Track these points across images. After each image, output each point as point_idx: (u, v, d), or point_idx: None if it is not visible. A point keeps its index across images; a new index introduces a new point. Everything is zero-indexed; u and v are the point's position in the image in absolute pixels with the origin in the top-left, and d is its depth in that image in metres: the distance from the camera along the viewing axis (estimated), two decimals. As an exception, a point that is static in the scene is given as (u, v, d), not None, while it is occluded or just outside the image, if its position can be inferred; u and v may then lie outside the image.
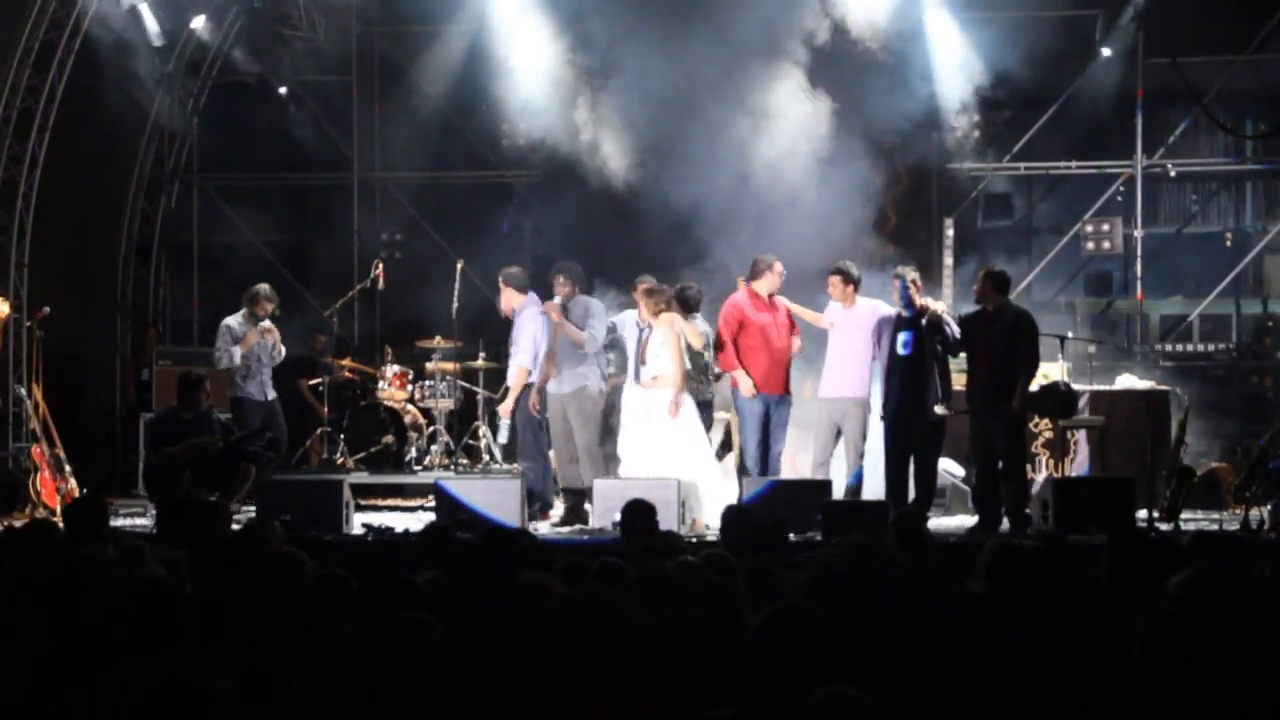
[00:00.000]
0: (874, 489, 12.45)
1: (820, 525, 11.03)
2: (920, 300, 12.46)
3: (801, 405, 13.24)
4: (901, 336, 12.36)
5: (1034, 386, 12.47)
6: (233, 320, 14.05)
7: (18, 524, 10.49)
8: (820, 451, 12.73)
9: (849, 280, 12.73)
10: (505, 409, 13.22)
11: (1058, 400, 12.80)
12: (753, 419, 12.73)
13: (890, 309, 12.66)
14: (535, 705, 2.79)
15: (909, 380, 12.30)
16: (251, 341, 13.91)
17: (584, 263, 13.58)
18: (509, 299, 13.25)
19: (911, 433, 12.31)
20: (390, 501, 14.92)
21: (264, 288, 14.27)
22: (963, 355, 12.58)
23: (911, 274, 12.59)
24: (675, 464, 12.18)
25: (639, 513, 8.91)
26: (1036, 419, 13.87)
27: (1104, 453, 13.60)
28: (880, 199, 16.04)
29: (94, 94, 16.49)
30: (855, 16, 15.68)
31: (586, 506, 12.60)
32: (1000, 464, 12.18)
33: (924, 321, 12.33)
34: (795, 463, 13.40)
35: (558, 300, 12.81)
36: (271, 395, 14.06)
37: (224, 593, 5.36)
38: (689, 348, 12.64)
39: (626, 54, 15.28)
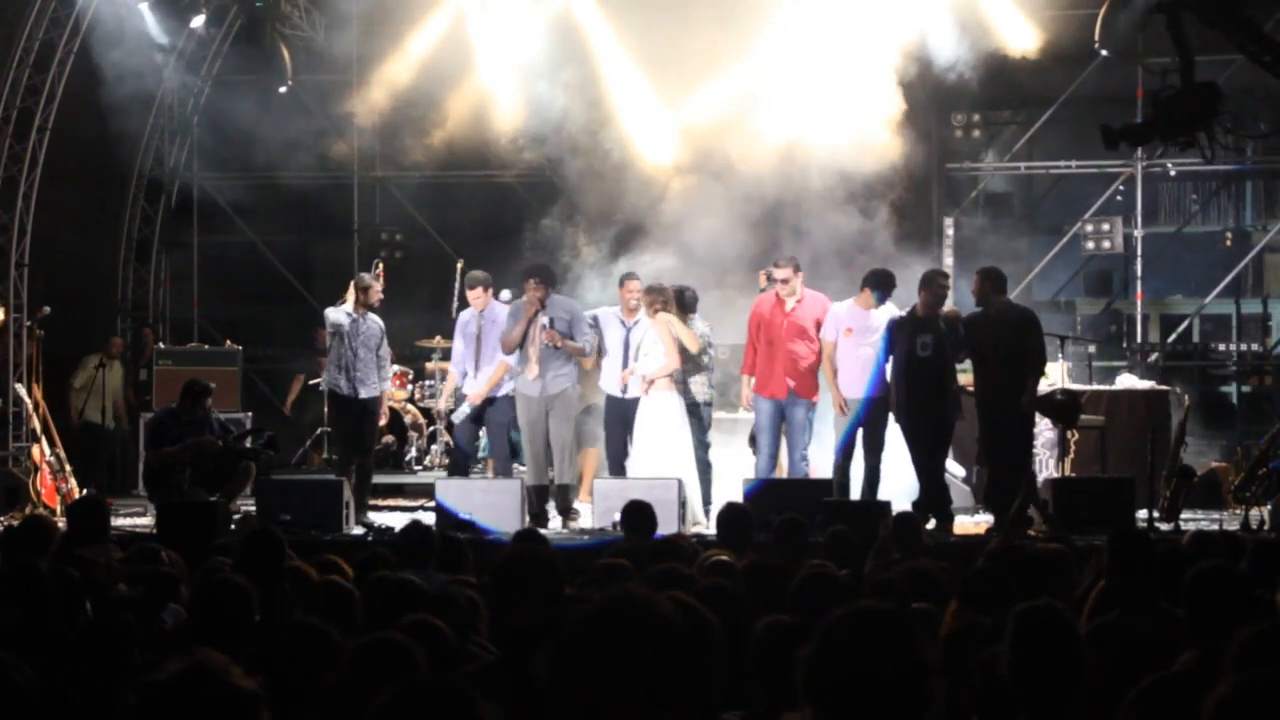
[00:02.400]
0: (887, 491, 12.38)
1: (820, 525, 11.01)
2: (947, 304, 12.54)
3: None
4: (920, 339, 12.31)
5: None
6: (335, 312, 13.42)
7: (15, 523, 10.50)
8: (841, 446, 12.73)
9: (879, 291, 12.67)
10: (479, 396, 13.15)
11: (1056, 407, 12.81)
12: (763, 418, 12.75)
13: (898, 311, 12.62)
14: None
15: (928, 383, 12.25)
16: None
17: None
18: (488, 299, 13.37)
19: (928, 435, 12.30)
20: (390, 501, 14.91)
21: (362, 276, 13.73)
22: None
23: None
24: (672, 465, 12.28)
25: (640, 513, 8.92)
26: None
27: (1104, 453, 13.59)
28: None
29: (94, 94, 16.49)
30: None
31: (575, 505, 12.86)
32: (1009, 463, 12.16)
33: (943, 324, 12.31)
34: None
35: (544, 322, 12.76)
36: (365, 393, 13.15)
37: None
38: (683, 350, 12.68)
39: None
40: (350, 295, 13.30)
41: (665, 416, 12.54)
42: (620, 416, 12.97)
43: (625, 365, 12.97)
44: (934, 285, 12.46)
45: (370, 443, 13.47)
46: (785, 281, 12.79)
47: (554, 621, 4.37)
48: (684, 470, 12.34)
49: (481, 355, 13.16)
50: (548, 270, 13.22)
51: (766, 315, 12.87)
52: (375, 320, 13.28)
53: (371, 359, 13.16)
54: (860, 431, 12.54)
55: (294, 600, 6.04)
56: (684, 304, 12.94)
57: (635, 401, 12.85)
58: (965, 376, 12.89)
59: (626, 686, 2.70)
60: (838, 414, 12.68)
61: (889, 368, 12.53)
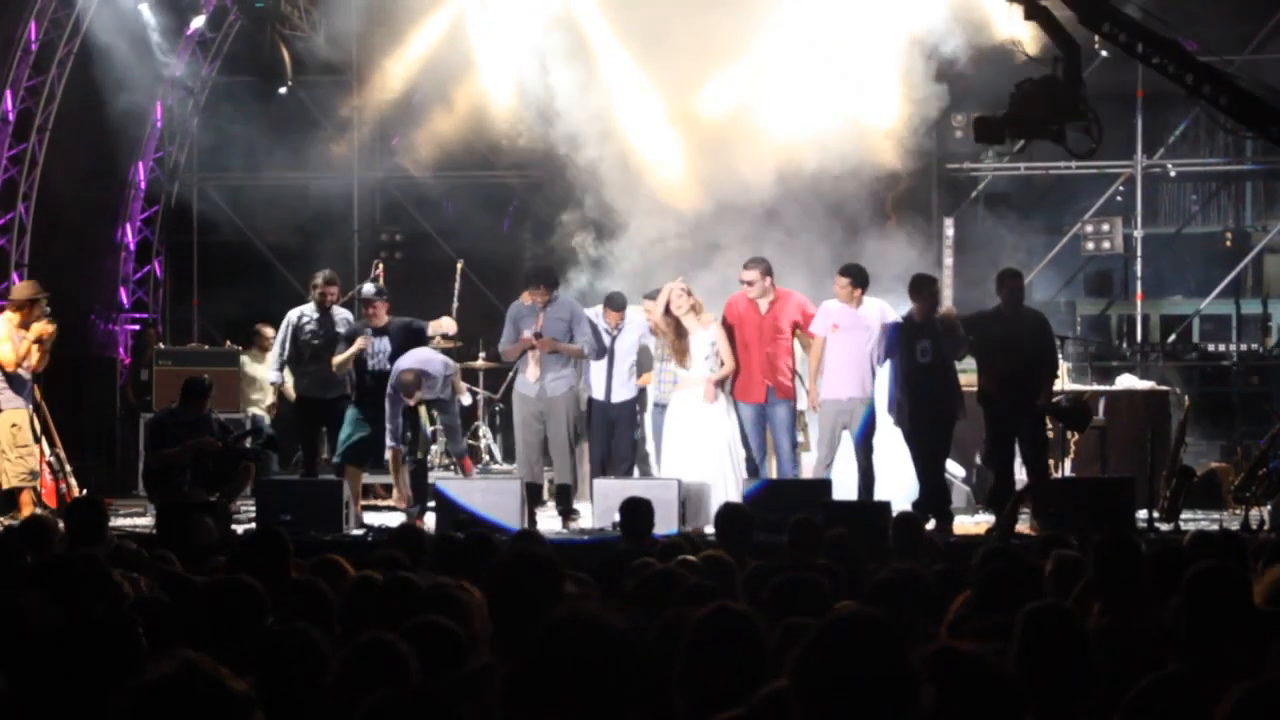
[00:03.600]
0: (883, 492, 12.36)
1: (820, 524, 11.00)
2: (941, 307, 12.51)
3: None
4: (920, 345, 12.27)
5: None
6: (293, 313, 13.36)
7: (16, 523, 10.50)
8: (824, 453, 12.67)
9: (858, 284, 12.63)
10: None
11: (1064, 413, 12.80)
12: (746, 424, 12.74)
13: (894, 313, 12.59)
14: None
15: (930, 389, 12.21)
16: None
17: None
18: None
19: (930, 437, 12.27)
20: (390, 501, 14.89)
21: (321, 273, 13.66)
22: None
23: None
24: (715, 469, 12.33)
25: (638, 510, 8.90)
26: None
27: (1104, 453, 13.58)
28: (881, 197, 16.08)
29: (94, 94, 16.49)
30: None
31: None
32: (1024, 464, 12.09)
33: (939, 327, 12.27)
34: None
35: (527, 300, 12.79)
36: (329, 394, 13.17)
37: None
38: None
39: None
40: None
41: (710, 418, 12.57)
42: (604, 419, 13.02)
43: (610, 372, 12.99)
44: (926, 291, 12.43)
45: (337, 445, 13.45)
46: (751, 284, 12.68)
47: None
48: (723, 471, 12.36)
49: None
50: (549, 273, 13.18)
51: (740, 317, 12.78)
52: (343, 317, 13.17)
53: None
54: (846, 432, 12.54)
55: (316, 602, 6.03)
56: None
57: (620, 405, 13.01)
58: (965, 376, 12.89)
59: (580, 706, 2.73)
60: (809, 410, 12.69)
61: (883, 371, 12.53)
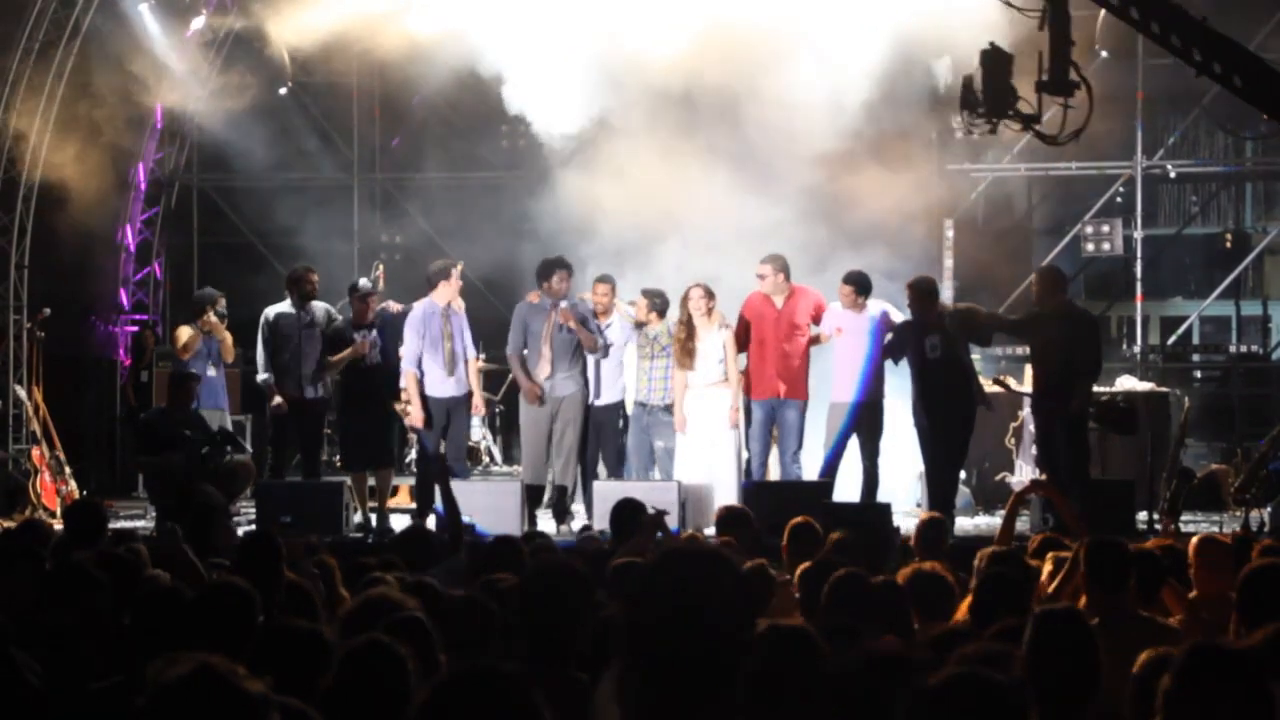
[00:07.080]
0: (886, 493, 12.35)
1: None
2: (939, 305, 12.47)
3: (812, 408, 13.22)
4: (929, 340, 12.24)
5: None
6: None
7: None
8: (830, 455, 12.64)
9: (861, 291, 12.61)
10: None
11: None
12: (755, 425, 12.71)
13: (898, 312, 12.58)
14: None
15: (943, 383, 12.16)
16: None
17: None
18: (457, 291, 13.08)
19: (943, 435, 12.25)
20: (390, 503, 14.87)
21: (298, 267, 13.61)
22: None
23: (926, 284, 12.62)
24: (725, 469, 12.31)
25: (629, 512, 8.87)
26: (1023, 419, 13.83)
27: (1103, 455, 13.57)
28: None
29: (94, 95, 16.48)
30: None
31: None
32: (1063, 467, 11.93)
33: (948, 322, 12.24)
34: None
35: (563, 305, 12.72)
36: (311, 394, 12.87)
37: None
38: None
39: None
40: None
41: (722, 421, 12.56)
42: (595, 422, 13.00)
43: (597, 374, 12.98)
44: (925, 293, 12.40)
45: (318, 450, 13.31)
46: (762, 278, 12.69)
47: (586, 631, 4.40)
48: (729, 473, 12.36)
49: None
50: (567, 264, 12.99)
51: (757, 313, 12.78)
52: (324, 311, 13.03)
53: (315, 356, 12.87)
54: (855, 436, 12.49)
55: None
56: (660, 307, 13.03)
57: (607, 408, 12.99)
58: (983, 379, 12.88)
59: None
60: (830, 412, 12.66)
61: (898, 372, 12.52)
